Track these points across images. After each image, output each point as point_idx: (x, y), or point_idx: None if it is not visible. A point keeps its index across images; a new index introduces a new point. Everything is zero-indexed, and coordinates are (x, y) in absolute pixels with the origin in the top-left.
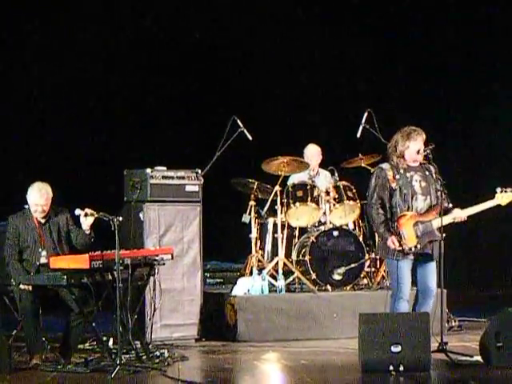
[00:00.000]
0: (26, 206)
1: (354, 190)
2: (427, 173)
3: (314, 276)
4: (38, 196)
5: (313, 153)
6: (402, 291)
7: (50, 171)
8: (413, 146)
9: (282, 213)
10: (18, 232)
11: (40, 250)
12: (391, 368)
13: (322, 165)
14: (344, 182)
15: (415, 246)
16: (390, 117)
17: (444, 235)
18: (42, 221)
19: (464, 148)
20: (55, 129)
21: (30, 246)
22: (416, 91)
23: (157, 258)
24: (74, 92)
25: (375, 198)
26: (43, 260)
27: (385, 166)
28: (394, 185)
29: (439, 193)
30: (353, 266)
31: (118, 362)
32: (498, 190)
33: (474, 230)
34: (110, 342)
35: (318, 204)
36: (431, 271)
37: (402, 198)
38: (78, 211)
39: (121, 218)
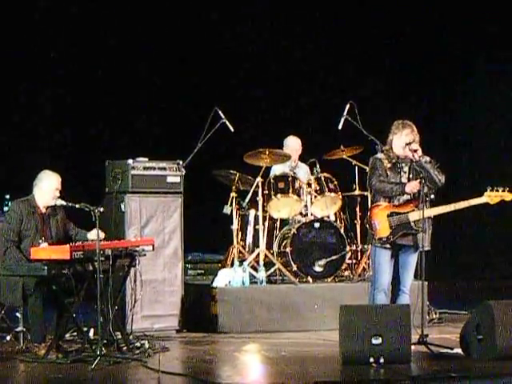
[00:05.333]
0: (8, 196)
1: (336, 182)
2: (415, 164)
3: (295, 268)
4: (56, 180)
5: (294, 144)
6: (379, 281)
7: (31, 162)
8: (396, 140)
9: (263, 204)
10: (21, 218)
11: (40, 240)
12: (371, 360)
13: (304, 156)
14: (325, 174)
15: (387, 237)
16: (371, 109)
17: (421, 227)
18: (44, 211)
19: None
20: (37, 120)
21: (31, 234)
22: (398, 82)
23: (138, 248)
24: (56, 83)
25: (377, 175)
26: None
27: (379, 155)
28: (388, 172)
29: (421, 184)
30: (334, 257)
31: (98, 352)
32: (489, 188)
33: (455, 222)
34: (91, 333)
35: (299, 196)
36: (409, 265)
37: None
38: (59, 201)
39: (102, 209)
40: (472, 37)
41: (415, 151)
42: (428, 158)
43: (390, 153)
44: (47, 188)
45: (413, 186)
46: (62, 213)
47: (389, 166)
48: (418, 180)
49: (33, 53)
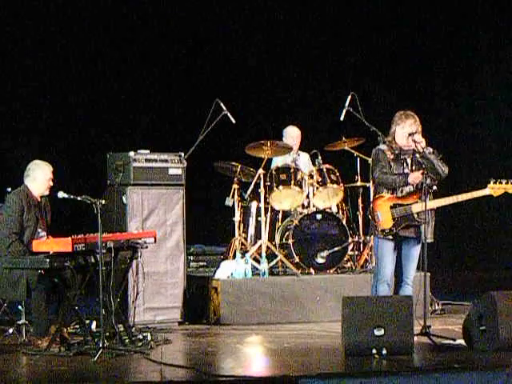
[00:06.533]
0: (9, 189)
1: (338, 174)
2: (418, 155)
3: (297, 259)
4: (48, 170)
5: (293, 134)
6: (381, 273)
7: (33, 155)
8: (399, 131)
9: (265, 196)
10: (22, 208)
11: (39, 229)
12: (374, 351)
13: (306, 148)
14: (327, 166)
15: (390, 229)
16: (373, 100)
17: (425, 220)
18: (39, 200)
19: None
20: (38, 112)
21: (32, 225)
22: (400, 73)
23: (140, 241)
24: (56, 75)
25: (380, 167)
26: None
27: (382, 146)
28: (392, 163)
29: (424, 175)
30: (336, 249)
31: (100, 345)
32: (492, 180)
33: (458, 212)
34: (93, 326)
35: (301, 187)
36: (412, 257)
37: None
38: (61, 194)
39: (103, 202)
40: (474, 32)
41: (419, 142)
42: (431, 149)
43: (393, 144)
44: (41, 178)
45: (415, 177)
46: (47, 201)
47: (392, 157)
48: (421, 171)
49: (35, 46)
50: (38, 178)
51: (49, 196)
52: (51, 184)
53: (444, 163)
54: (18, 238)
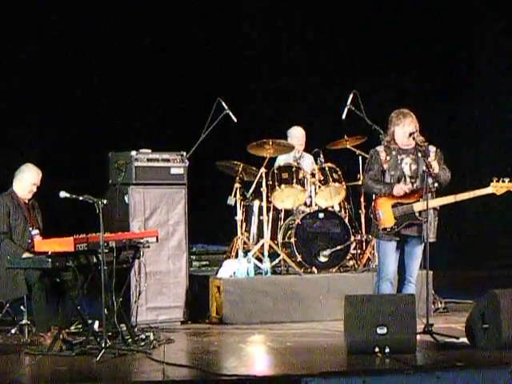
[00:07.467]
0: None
1: (340, 172)
2: (420, 155)
3: (299, 258)
4: (36, 175)
5: (298, 135)
6: (384, 272)
7: (34, 154)
8: (398, 131)
9: (267, 195)
10: (8, 210)
11: (30, 228)
12: (377, 350)
13: (308, 146)
14: (329, 164)
15: (392, 227)
16: (374, 98)
17: (427, 218)
18: (27, 201)
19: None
20: (39, 111)
21: (21, 224)
22: (402, 72)
23: (142, 240)
24: (58, 74)
25: (370, 174)
26: (38, 238)
27: (379, 148)
28: (385, 166)
29: (425, 174)
30: (338, 247)
31: (103, 345)
32: (495, 179)
33: (460, 210)
34: (96, 325)
35: (303, 186)
36: (415, 256)
37: (390, 179)
38: (63, 193)
39: (105, 201)
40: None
41: (422, 146)
42: (434, 148)
43: (391, 144)
44: (26, 181)
45: (399, 190)
46: (36, 202)
47: (387, 158)
48: (408, 186)
49: (36, 44)
50: (23, 179)
51: (47, 196)
52: (34, 190)
53: (446, 169)
54: (9, 237)
